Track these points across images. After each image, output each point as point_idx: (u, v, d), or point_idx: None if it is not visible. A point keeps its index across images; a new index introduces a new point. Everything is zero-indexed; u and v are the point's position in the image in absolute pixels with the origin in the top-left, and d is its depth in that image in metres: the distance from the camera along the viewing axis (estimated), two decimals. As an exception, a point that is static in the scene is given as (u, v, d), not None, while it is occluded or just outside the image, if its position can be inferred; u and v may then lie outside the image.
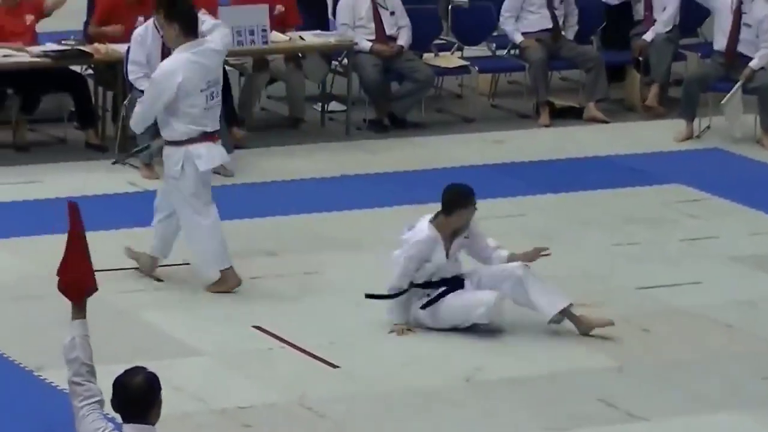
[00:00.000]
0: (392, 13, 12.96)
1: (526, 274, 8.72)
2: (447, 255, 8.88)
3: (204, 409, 8.24)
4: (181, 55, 9.17)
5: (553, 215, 11.44)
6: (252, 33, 12.31)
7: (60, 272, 5.77)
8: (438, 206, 9.50)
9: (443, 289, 8.97)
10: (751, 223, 11.34)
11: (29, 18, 12.00)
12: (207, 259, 9.71)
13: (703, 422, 8.39)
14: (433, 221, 8.73)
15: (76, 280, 5.71)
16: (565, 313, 8.83)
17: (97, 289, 5.83)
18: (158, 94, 9.30)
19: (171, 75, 9.20)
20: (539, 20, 12.82)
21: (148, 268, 9.71)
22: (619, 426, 8.30)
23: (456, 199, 8.78)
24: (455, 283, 8.84)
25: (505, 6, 13.18)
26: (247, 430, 8.18)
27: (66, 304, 5.86)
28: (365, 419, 8.34)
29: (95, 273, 5.82)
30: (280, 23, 12.52)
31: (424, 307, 8.90)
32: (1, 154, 12.51)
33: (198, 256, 9.84)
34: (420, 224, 8.83)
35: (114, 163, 11.52)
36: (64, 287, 5.91)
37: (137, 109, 9.89)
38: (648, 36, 13.26)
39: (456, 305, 8.86)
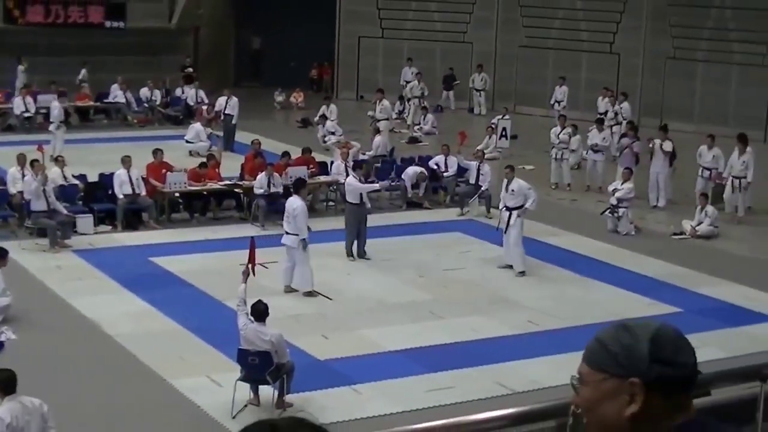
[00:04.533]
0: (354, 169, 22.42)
1: None
2: None
3: (282, 315, 14.33)
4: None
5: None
6: (302, 176, 21.66)
7: (247, 263, 12.79)
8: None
9: None
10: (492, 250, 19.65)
11: (218, 171, 22.18)
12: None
13: (469, 320, 15.07)
14: None
15: (248, 267, 12.65)
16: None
17: (254, 274, 13.08)
18: None
19: None
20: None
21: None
22: (433, 321, 15.30)
23: None
24: None
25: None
26: (295, 318, 15.02)
27: (235, 277, 13.11)
28: (343, 315, 15.48)
29: (256, 265, 13.30)
30: (311, 175, 22.93)
31: None
32: (206, 222, 21.01)
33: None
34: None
35: (252, 223, 20.96)
36: (244, 269, 12.60)
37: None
38: (446, 181, 23.93)
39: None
